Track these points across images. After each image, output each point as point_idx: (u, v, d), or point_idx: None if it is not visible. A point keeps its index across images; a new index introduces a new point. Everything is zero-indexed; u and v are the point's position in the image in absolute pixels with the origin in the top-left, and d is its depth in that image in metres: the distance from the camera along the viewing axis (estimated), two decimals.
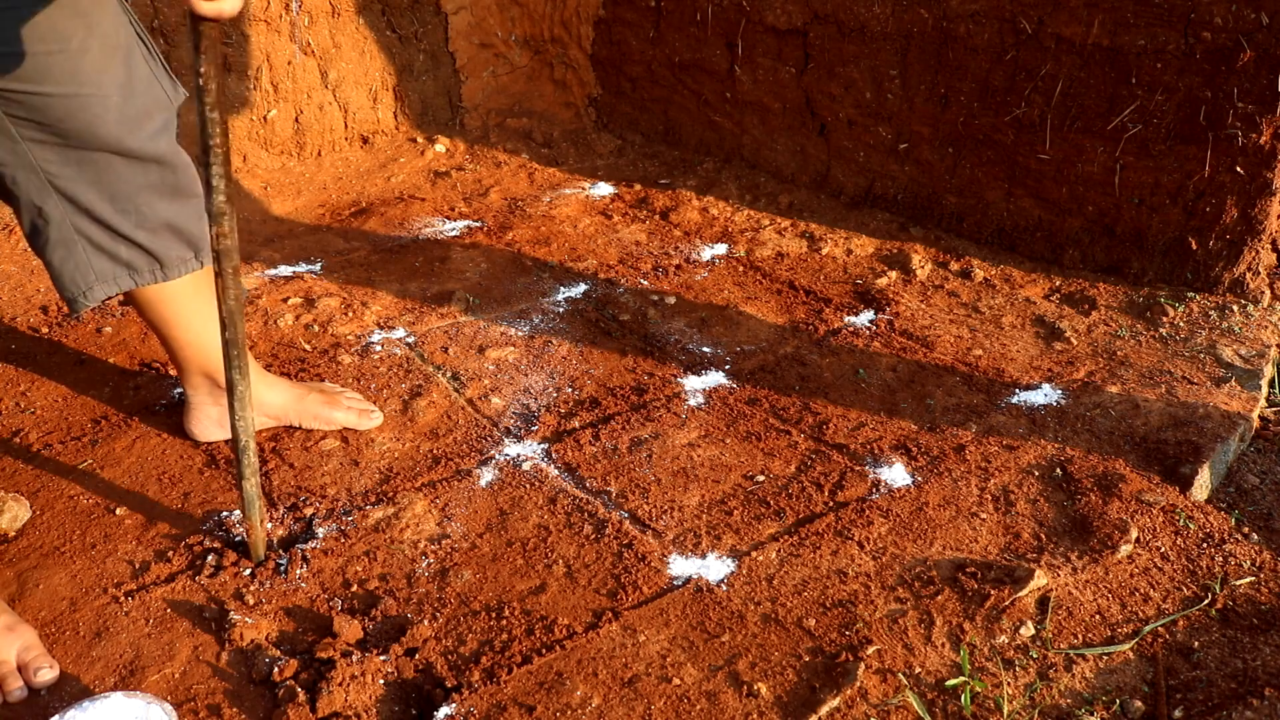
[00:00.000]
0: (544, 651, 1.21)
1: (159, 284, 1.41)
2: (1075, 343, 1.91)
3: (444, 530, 1.44)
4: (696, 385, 1.81)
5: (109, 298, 1.39)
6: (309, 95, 2.87)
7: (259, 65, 2.74)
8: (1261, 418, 1.73)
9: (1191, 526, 1.42)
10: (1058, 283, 2.16)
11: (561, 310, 2.10)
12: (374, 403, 1.73)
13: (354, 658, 1.19)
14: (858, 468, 1.57)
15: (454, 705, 1.13)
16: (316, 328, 2.01)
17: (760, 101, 2.76)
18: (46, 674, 1.17)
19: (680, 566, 1.36)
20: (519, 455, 1.61)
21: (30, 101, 1.20)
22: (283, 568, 1.36)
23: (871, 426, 1.68)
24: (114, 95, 1.25)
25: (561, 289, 2.20)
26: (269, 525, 1.44)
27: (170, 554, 1.38)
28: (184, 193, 1.39)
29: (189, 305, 1.47)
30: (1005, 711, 1.13)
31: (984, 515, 1.45)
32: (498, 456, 1.61)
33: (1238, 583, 1.32)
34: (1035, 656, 1.21)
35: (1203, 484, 1.53)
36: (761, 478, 1.55)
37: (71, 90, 1.22)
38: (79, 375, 1.84)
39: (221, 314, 1.21)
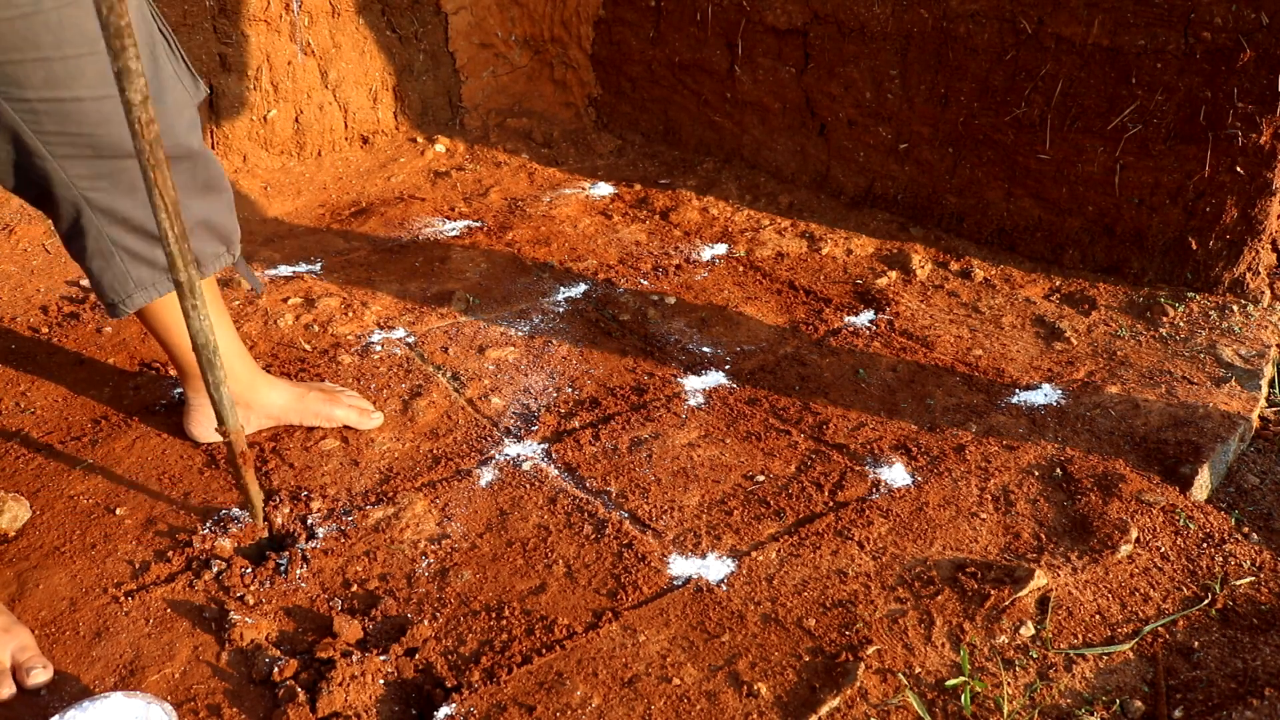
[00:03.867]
0: (544, 651, 1.21)
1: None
2: (1075, 343, 1.91)
3: (444, 530, 1.44)
4: (696, 385, 1.81)
5: (149, 302, 1.39)
6: (309, 95, 2.87)
7: (259, 65, 2.74)
8: (1261, 418, 1.73)
9: (1191, 526, 1.42)
10: (1058, 283, 2.16)
11: (561, 310, 2.10)
12: (374, 403, 1.73)
13: (354, 658, 1.19)
14: (858, 468, 1.57)
15: (454, 705, 1.13)
16: (316, 328, 2.01)
17: (760, 101, 2.76)
18: (40, 675, 1.17)
19: (680, 566, 1.36)
20: (519, 455, 1.61)
21: (63, 110, 1.18)
22: (283, 568, 1.36)
23: (871, 426, 1.68)
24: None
25: (561, 289, 2.20)
26: (276, 520, 1.45)
27: (170, 554, 1.38)
28: (214, 187, 1.38)
29: None
30: (1005, 711, 1.13)
31: (984, 515, 1.45)
32: (498, 456, 1.61)
33: (1238, 583, 1.32)
34: (1035, 656, 1.21)
35: (1203, 484, 1.53)
36: (761, 478, 1.55)
37: (104, 92, 1.19)
38: (79, 375, 1.84)
39: (192, 334, 1.20)
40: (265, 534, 1.41)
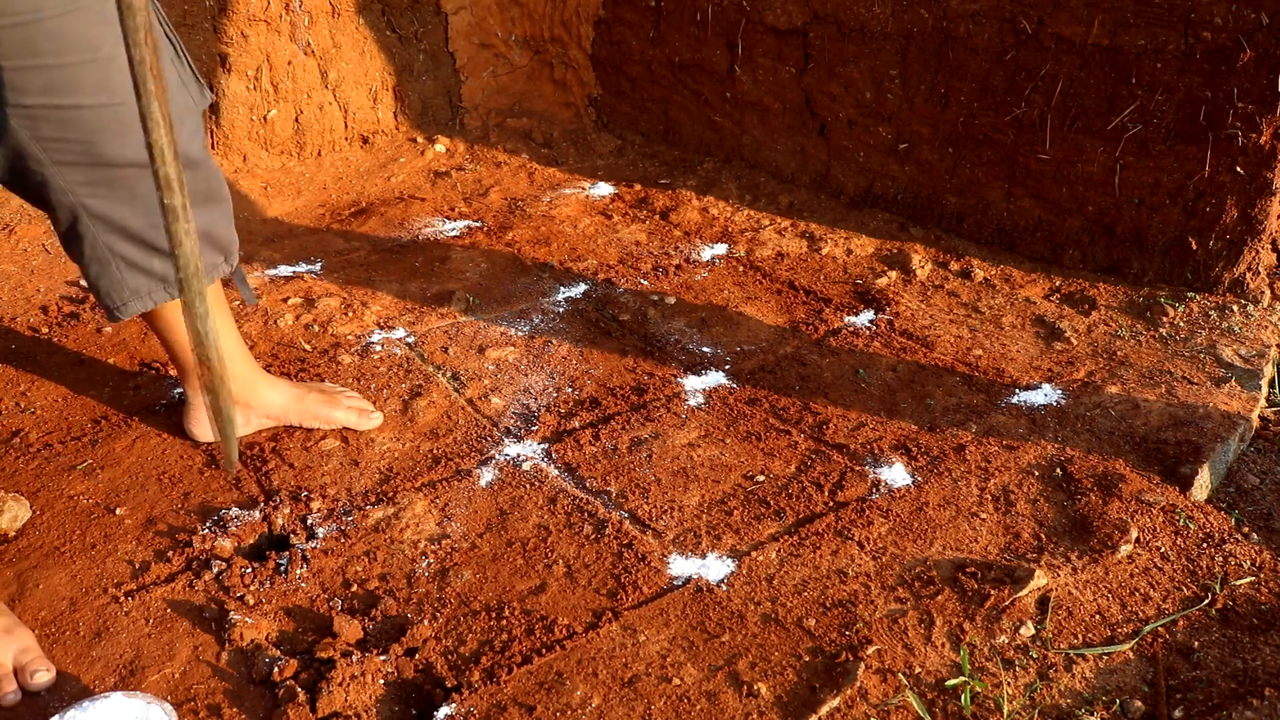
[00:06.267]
0: (544, 651, 1.21)
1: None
2: (1075, 343, 1.91)
3: (444, 530, 1.44)
4: (696, 385, 1.81)
5: (146, 310, 1.39)
6: (309, 95, 2.87)
7: (259, 65, 2.74)
8: (1261, 418, 1.73)
9: (1191, 526, 1.42)
10: (1058, 283, 2.16)
11: (561, 310, 2.10)
12: (374, 403, 1.73)
13: (354, 658, 1.19)
14: (858, 468, 1.57)
15: (454, 705, 1.13)
16: (316, 328, 2.01)
17: (760, 101, 2.76)
18: (43, 676, 1.17)
19: (680, 566, 1.36)
20: (519, 455, 1.61)
21: (61, 117, 1.18)
22: (283, 568, 1.36)
23: (871, 426, 1.68)
24: None
25: (561, 289, 2.20)
26: (279, 521, 1.45)
27: (170, 554, 1.38)
28: (214, 197, 1.38)
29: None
30: (1005, 711, 1.13)
31: (984, 515, 1.45)
32: (498, 456, 1.61)
33: (1238, 583, 1.32)
34: (1035, 656, 1.21)
35: (1203, 484, 1.53)
36: (761, 478, 1.55)
37: (103, 100, 1.19)
38: (79, 375, 1.84)
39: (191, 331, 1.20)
40: (237, 469, 1.38)
